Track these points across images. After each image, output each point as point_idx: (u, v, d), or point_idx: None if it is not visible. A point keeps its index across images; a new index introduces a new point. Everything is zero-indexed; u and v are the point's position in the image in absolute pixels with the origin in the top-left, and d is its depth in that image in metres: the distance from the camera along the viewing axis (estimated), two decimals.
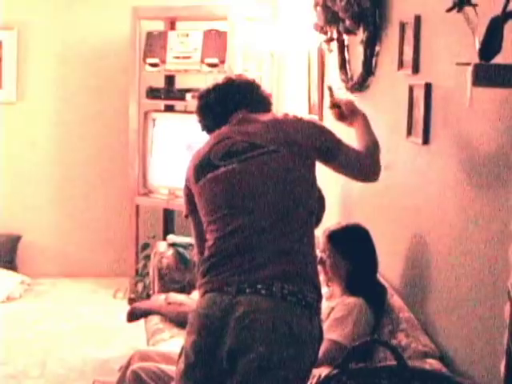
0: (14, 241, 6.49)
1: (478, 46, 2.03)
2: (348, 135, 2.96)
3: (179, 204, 5.26)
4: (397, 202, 3.30)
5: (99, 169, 6.56)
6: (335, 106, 3.19)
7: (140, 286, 5.76)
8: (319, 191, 2.87)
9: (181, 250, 4.73)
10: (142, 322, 4.37)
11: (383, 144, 2.95)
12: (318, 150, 2.65)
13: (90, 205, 6.60)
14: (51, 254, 6.60)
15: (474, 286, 2.44)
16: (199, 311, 2.45)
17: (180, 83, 6.12)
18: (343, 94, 3.76)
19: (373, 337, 2.94)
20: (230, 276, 2.43)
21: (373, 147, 2.87)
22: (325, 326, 2.80)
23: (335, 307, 3.05)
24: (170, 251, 4.75)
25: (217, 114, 2.81)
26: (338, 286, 3.18)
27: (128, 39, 5.84)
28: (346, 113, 3.12)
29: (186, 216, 2.78)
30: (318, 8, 3.84)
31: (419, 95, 2.93)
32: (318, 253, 3.04)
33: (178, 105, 5.96)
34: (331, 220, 3.55)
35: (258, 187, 2.53)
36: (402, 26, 3.14)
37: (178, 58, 5.67)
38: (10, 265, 6.38)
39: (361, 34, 3.58)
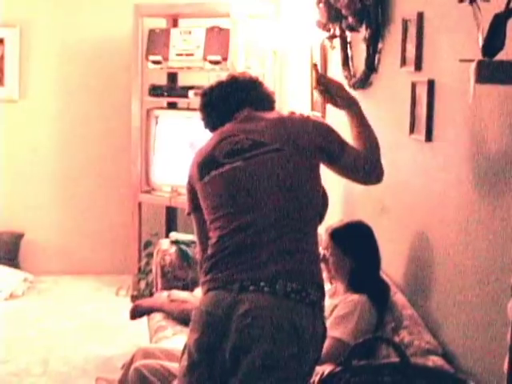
0: (16, 238, 6.49)
1: (481, 42, 2.02)
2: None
3: (182, 201, 5.27)
4: (399, 199, 3.30)
5: (102, 166, 6.56)
6: (321, 84, 2.96)
7: (143, 284, 5.76)
8: (322, 189, 2.86)
9: (183, 247, 4.73)
10: (144, 319, 4.37)
11: (386, 141, 2.94)
12: (322, 151, 2.62)
13: (93, 202, 6.60)
14: (54, 252, 6.61)
15: (477, 283, 2.44)
16: (202, 309, 2.45)
17: (183, 80, 6.12)
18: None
19: (376, 334, 2.94)
20: (233, 274, 2.43)
21: (376, 148, 2.77)
22: (328, 323, 2.80)
23: (338, 305, 3.04)
24: (173, 249, 4.75)
25: (220, 111, 2.81)
26: (341, 283, 3.18)
27: (130, 37, 5.84)
28: (336, 97, 2.93)
29: (189, 213, 2.77)
30: (321, 5, 3.84)
31: (422, 92, 2.93)
32: (321, 250, 3.04)
33: (181, 102, 5.96)
34: (334, 217, 3.55)
35: (261, 185, 2.52)
36: (405, 23, 3.13)
37: (180, 55, 5.67)
38: (13, 262, 6.39)
39: (363, 31, 3.57)
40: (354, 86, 3.81)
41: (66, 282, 6.40)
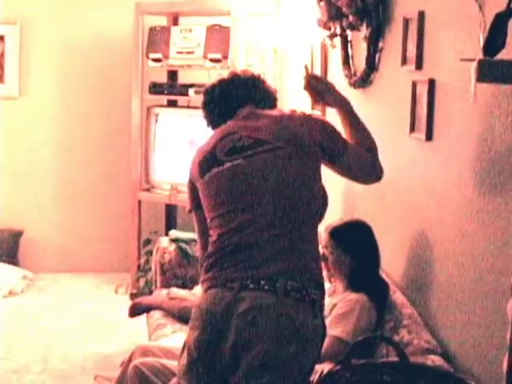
0: (16, 236, 6.49)
1: (482, 41, 2.02)
2: None
3: (181, 199, 5.27)
4: (399, 198, 3.30)
5: (102, 164, 6.56)
6: (311, 86, 2.96)
7: (142, 282, 5.76)
8: (322, 188, 2.86)
9: (183, 245, 4.73)
10: (143, 317, 4.37)
11: (386, 140, 2.95)
12: (323, 149, 2.62)
13: (93, 200, 6.60)
14: (53, 249, 6.61)
15: (476, 282, 2.44)
16: (202, 307, 2.45)
17: (183, 78, 6.12)
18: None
19: (375, 333, 2.94)
20: (233, 272, 2.42)
21: (373, 147, 2.78)
22: (327, 322, 2.80)
23: (338, 303, 3.04)
24: (172, 246, 4.75)
25: (222, 109, 2.80)
26: (341, 282, 3.18)
27: (131, 34, 5.84)
28: (326, 98, 2.93)
29: (190, 211, 2.77)
30: (322, 3, 3.84)
31: (422, 91, 2.92)
32: (321, 249, 3.04)
33: (181, 100, 5.95)
34: (333, 216, 3.55)
35: (262, 184, 2.52)
36: (406, 22, 3.13)
37: (180, 53, 5.66)
38: (12, 260, 6.39)
39: (364, 30, 3.57)
40: (355, 85, 3.81)
41: (65, 279, 6.41)
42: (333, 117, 3.48)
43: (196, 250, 2.82)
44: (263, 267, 2.40)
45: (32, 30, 6.39)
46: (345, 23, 3.69)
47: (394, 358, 2.43)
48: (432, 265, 2.88)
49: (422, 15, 2.96)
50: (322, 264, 2.97)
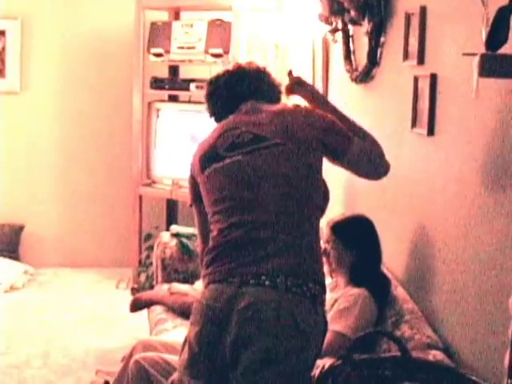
0: (17, 231, 6.50)
1: (484, 36, 2.02)
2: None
3: (183, 194, 5.27)
4: (401, 193, 3.29)
5: (103, 159, 6.56)
6: (293, 90, 2.91)
7: (143, 277, 5.76)
8: (324, 183, 2.84)
9: (184, 240, 4.73)
10: (144, 312, 4.38)
11: (388, 135, 2.94)
12: (325, 146, 2.58)
13: (94, 195, 6.60)
14: (54, 244, 6.61)
15: (478, 277, 2.43)
16: (203, 302, 2.45)
17: (184, 73, 6.12)
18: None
19: (376, 328, 2.94)
20: (234, 267, 2.42)
21: (376, 142, 2.69)
22: (329, 317, 2.80)
23: (339, 298, 3.04)
24: (174, 241, 4.75)
25: (225, 100, 2.78)
26: (342, 277, 3.18)
27: (132, 29, 5.83)
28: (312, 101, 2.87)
29: (191, 205, 2.77)
30: None
31: (424, 86, 2.92)
32: (322, 244, 3.03)
33: (182, 95, 5.95)
34: (335, 211, 3.55)
35: (261, 180, 2.50)
36: (408, 17, 3.13)
37: (182, 48, 5.66)
38: (13, 254, 6.40)
39: (366, 25, 3.57)
40: (356, 80, 3.81)
41: (66, 274, 6.41)
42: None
43: (197, 245, 2.82)
44: (264, 263, 2.39)
45: (33, 24, 6.39)
46: (346, 18, 3.69)
47: (395, 353, 2.43)
48: (433, 260, 2.87)
49: (423, 10, 2.96)
50: (324, 259, 2.97)
